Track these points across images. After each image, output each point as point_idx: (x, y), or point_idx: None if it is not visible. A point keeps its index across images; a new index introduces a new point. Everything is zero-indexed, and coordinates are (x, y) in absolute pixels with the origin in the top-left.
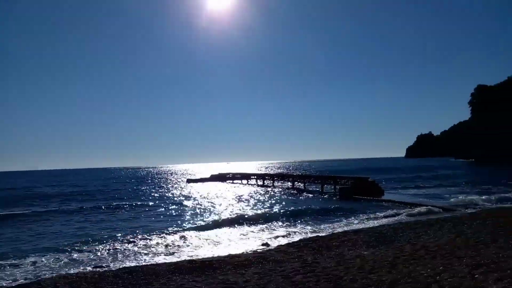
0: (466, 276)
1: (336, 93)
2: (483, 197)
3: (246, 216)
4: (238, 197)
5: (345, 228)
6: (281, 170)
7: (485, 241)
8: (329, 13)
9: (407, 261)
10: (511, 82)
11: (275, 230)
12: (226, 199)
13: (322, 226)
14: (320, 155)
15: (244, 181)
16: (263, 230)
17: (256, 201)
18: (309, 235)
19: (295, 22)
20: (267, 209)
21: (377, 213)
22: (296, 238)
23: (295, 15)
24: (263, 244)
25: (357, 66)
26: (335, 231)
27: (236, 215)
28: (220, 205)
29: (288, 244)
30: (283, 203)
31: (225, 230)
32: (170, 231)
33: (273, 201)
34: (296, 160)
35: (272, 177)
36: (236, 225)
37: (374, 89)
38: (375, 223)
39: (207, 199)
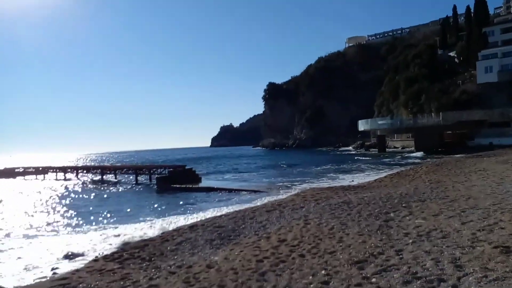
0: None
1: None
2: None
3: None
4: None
5: (178, 224)
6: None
7: (341, 221)
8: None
9: (273, 264)
10: (293, 81)
11: (84, 234)
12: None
13: (144, 225)
14: (126, 145)
15: (40, 176)
16: (57, 234)
17: (54, 200)
18: (135, 239)
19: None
20: (70, 210)
21: (205, 203)
22: (114, 244)
23: None
24: (66, 257)
25: (161, 64)
26: (165, 230)
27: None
28: None
29: (105, 257)
30: (87, 200)
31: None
32: None
33: (72, 200)
34: (96, 152)
35: (75, 169)
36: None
37: (181, 82)
38: (207, 214)
39: None
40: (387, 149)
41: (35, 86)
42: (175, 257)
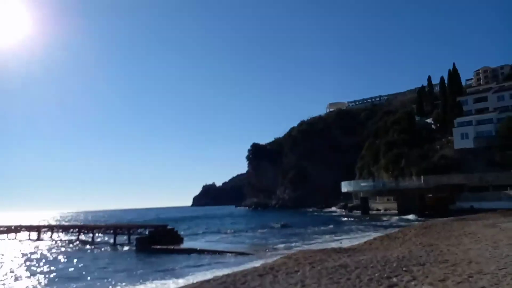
0: None
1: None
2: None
3: None
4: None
5: None
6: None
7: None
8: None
9: None
10: (277, 142)
11: None
12: None
13: None
14: (103, 205)
15: (12, 236)
16: None
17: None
18: None
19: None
20: (33, 275)
21: (188, 267)
22: None
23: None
24: None
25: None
26: None
27: None
28: None
29: None
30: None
31: None
32: None
33: (37, 263)
34: (70, 211)
35: (50, 228)
36: None
37: (163, 141)
38: (192, 279)
39: None
40: (370, 211)
41: (3, 141)
42: None
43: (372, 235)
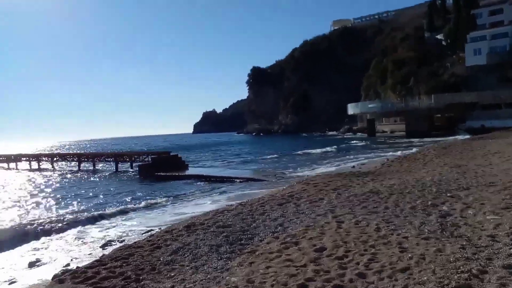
0: None
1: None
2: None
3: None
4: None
5: (165, 219)
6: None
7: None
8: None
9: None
10: (278, 65)
11: (52, 235)
12: None
13: (125, 222)
14: (103, 133)
15: (12, 165)
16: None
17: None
18: (114, 244)
19: None
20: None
21: (196, 193)
22: (89, 251)
23: None
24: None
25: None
26: (152, 230)
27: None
28: None
29: (74, 276)
30: (61, 189)
31: None
32: None
33: (49, 192)
34: (70, 140)
35: (51, 157)
36: None
37: (162, 67)
38: (203, 208)
39: None
40: (376, 134)
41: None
42: (172, 273)
43: (386, 156)
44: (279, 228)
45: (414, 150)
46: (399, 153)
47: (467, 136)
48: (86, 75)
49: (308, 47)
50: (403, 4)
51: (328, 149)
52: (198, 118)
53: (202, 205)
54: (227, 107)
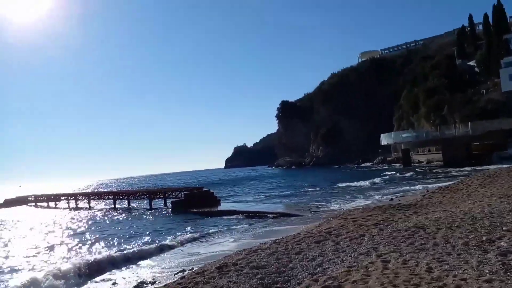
0: None
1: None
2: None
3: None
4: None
5: (199, 257)
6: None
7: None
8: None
9: None
10: (307, 98)
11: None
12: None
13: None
14: (137, 171)
15: (52, 204)
16: None
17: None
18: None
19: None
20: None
21: (229, 230)
22: None
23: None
24: None
25: (182, 87)
26: (184, 270)
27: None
28: None
29: None
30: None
31: None
32: None
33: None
34: (107, 178)
35: (87, 196)
36: None
37: (192, 104)
38: (235, 245)
39: None
40: (411, 164)
41: (40, 113)
42: None
43: (423, 188)
44: (318, 269)
45: (455, 181)
46: (438, 184)
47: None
48: (117, 116)
49: (336, 79)
50: (431, 33)
51: (376, 180)
52: (229, 153)
53: (234, 240)
54: (258, 141)
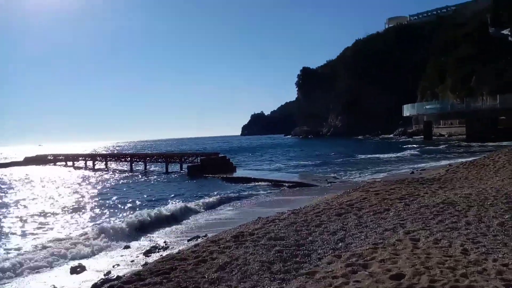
0: None
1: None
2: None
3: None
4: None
5: (214, 229)
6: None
7: None
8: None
9: None
10: (329, 65)
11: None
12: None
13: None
14: (154, 135)
15: (70, 163)
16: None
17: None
18: (156, 252)
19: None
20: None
21: (245, 197)
22: (130, 260)
23: None
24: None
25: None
26: (198, 237)
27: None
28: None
29: None
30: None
31: None
32: None
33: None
34: (125, 141)
35: (104, 157)
36: None
37: (211, 69)
38: (251, 214)
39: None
40: (433, 137)
41: (63, 78)
42: None
43: (447, 161)
44: (340, 244)
45: (479, 156)
46: (461, 159)
47: None
48: (136, 78)
49: (361, 46)
50: None
51: (384, 156)
52: (246, 120)
53: (251, 208)
54: (276, 109)
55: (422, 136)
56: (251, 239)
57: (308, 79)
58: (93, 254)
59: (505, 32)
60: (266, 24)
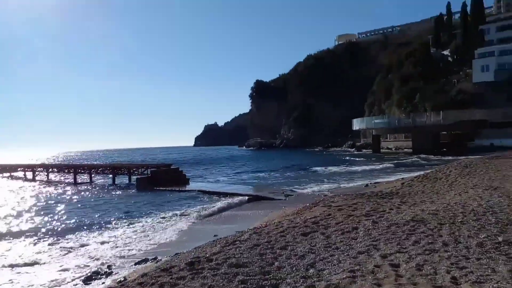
0: None
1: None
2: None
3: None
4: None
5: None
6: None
7: None
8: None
9: None
10: (281, 78)
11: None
12: None
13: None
14: (102, 144)
15: (6, 174)
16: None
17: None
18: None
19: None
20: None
21: (198, 213)
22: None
23: None
24: None
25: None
26: (147, 266)
27: None
28: None
29: None
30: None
31: None
32: None
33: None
34: (65, 151)
35: (46, 168)
36: None
37: (164, 79)
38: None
39: None
40: (381, 150)
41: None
42: None
43: (398, 176)
44: (311, 270)
45: (428, 170)
46: (411, 173)
47: (479, 156)
48: (86, 86)
49: (312, 61)
50: (408, 20)
51: (334, 169)
52: (199, 131)
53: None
54: (229, 121)
55: (371, 149)
56: (209, 266)
57: (261, 91)
58: None
59: (445, 52)
60: (221, 36)
